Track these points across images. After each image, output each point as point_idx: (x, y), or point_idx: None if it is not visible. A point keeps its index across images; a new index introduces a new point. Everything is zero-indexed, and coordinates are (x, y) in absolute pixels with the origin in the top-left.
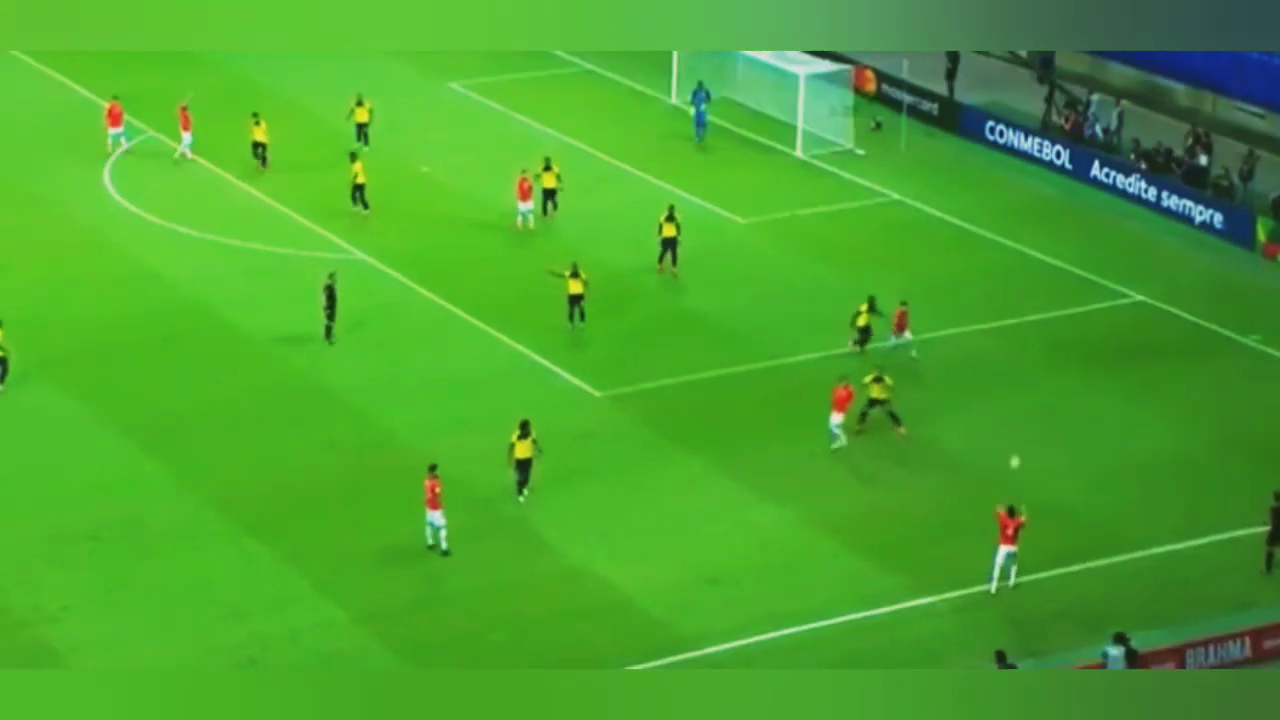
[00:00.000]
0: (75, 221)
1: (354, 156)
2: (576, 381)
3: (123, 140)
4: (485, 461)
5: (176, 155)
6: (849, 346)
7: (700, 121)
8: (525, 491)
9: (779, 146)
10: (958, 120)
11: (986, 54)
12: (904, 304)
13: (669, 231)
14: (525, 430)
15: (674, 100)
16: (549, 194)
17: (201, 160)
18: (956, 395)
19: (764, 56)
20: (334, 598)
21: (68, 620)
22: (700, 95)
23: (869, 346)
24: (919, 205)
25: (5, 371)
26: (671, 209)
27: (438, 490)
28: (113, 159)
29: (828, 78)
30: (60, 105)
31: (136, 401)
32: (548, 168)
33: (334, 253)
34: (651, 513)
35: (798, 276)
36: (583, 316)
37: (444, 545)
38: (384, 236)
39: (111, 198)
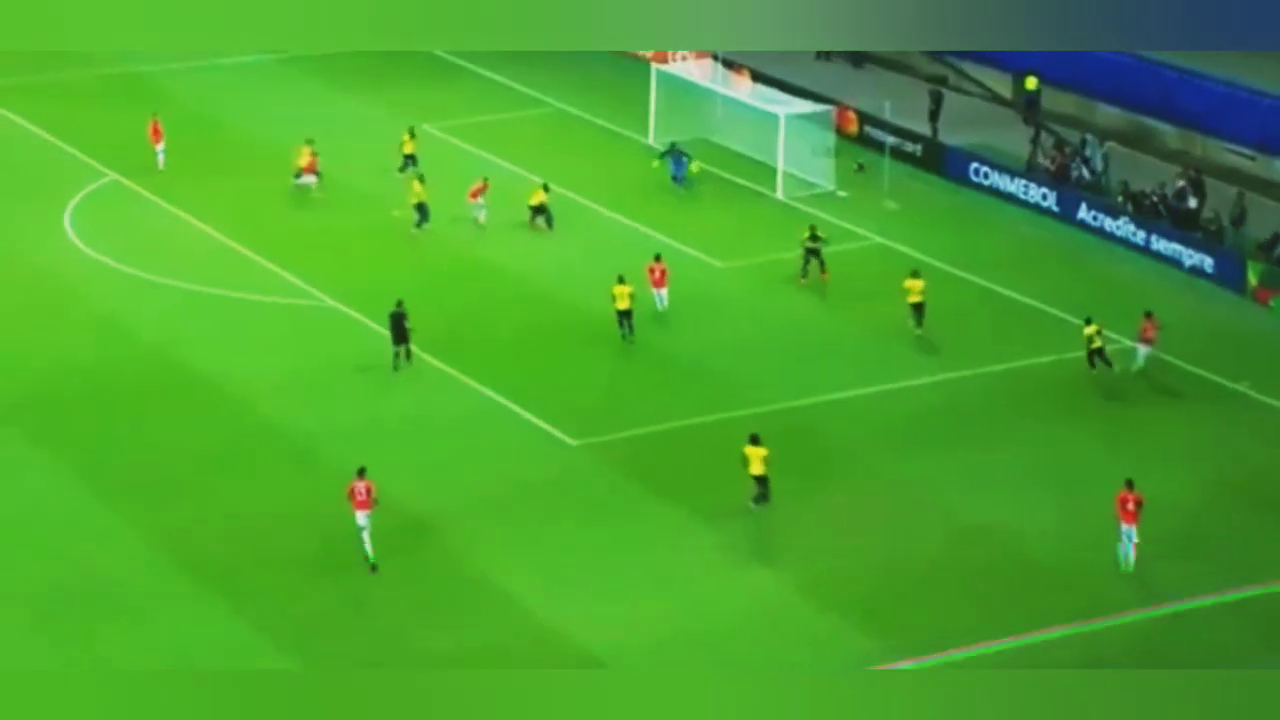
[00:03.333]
0: (35, 265)
1: (421, 179)
2: (548, 428)
3: (313, 181)
4: (456, 510)
5: (161, 167)
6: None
7: (679, 177)
8: (758, 504)
9: (759, 188)
10: (942, 162)
11: (969, 94)
12: (1150, 315)
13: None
14: (756, 440)
15: (651, 142)
16: (538, 210)
17: (163, 203)
18: (942, 442)
19: (743, 96)
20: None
21: None
22: (678, 159)
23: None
24: (902, 248)
25: None
26: (813, 228)
27: (367, 492)
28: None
29: (809, 118)
30: (10, 141)
31: (102, 453)
32: (546, 189)
33: (300, 298)
34: (630, 567)
35: (780, 321)
36: (631, 329)
37: (368, 549)
38: (352, 280)
39: (72, 242)
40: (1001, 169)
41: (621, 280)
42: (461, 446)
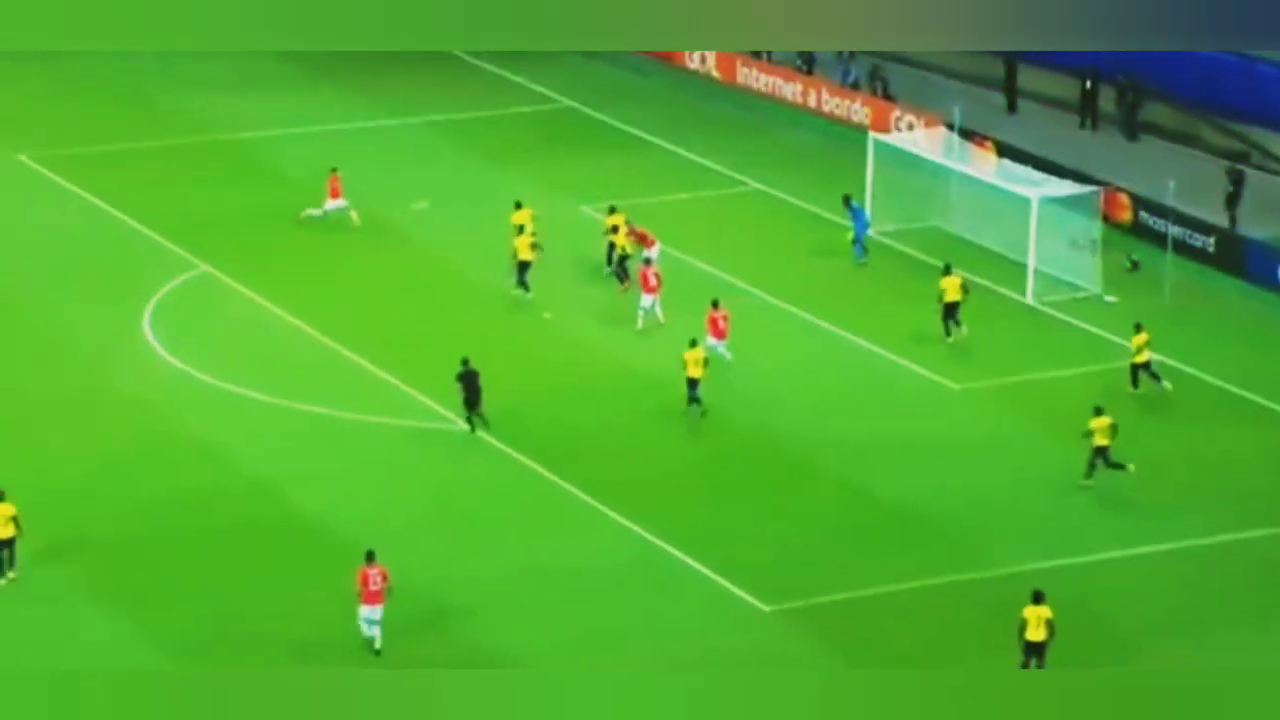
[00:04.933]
0: (106, 377)
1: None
2: (737, 590)
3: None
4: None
5: (316, 216)
6: None
7: (859, 239)
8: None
9: (1004, 290)
10: (1241, 260)
11: (1277, 174)
12: None
13: (954, 296)
14: (1039, 598)
15: (870, 231)
16: (613, 248)
17: (256, 296)
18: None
19: (985, 174)
20: None
21: None
22: (858, 214)
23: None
24: (1188, 369)
25: (12, 556)
26: (948, 265)
27: (380, 582)
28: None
29: (1068, 202)
30: (83, 227)
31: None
32: (615, 219)
33: (428, 420)
34: None
35: (1027, 459)
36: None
37: (377, 643)
38: (488, 397)
39: (153, 349)
40: None
41: (694, 344)
42: (622, 609)
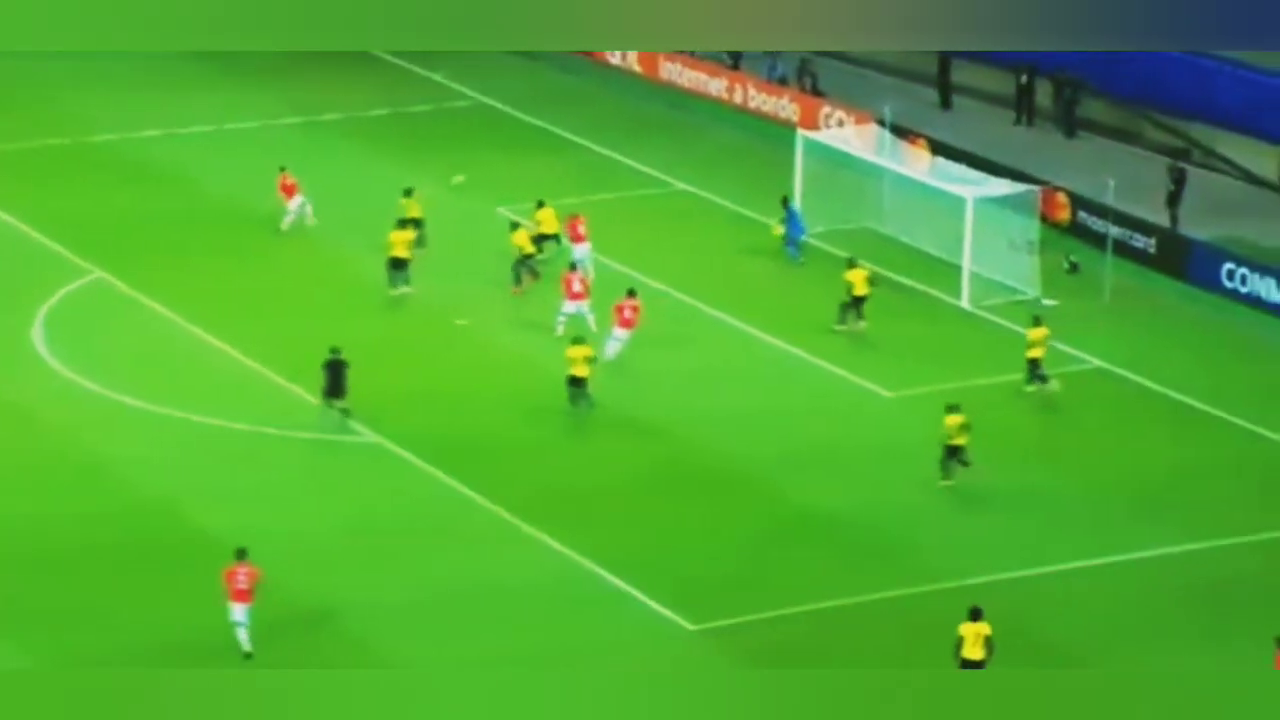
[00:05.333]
0: None
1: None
2: (660, 608)
3: (307, 209)
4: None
5: (292, 222)
6: None
7: (794, 240)
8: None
9: (939, 294)
10: (1184, 262)
11: (1221, 172)
12: None
13: (861, 290)
14: (976, 614)
15: (805, 236)
16: (545, 239)
17: (159, 306)
18: (1196, 634)
19: (919, 173)
20: None
21: None
22: (794, 217)
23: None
24: (1129, 374)
25: None
26: (852, 259)
27: (248, 580)
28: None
29: (1004, 202)
30: None
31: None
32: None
33: (336, 432)
34: None
35: (963, 470)
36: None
37: (245, 645)
38: (401, 405)
39: (43, 359)
40: (1265, 271)
41: (579, 342)
42: (540, 630)
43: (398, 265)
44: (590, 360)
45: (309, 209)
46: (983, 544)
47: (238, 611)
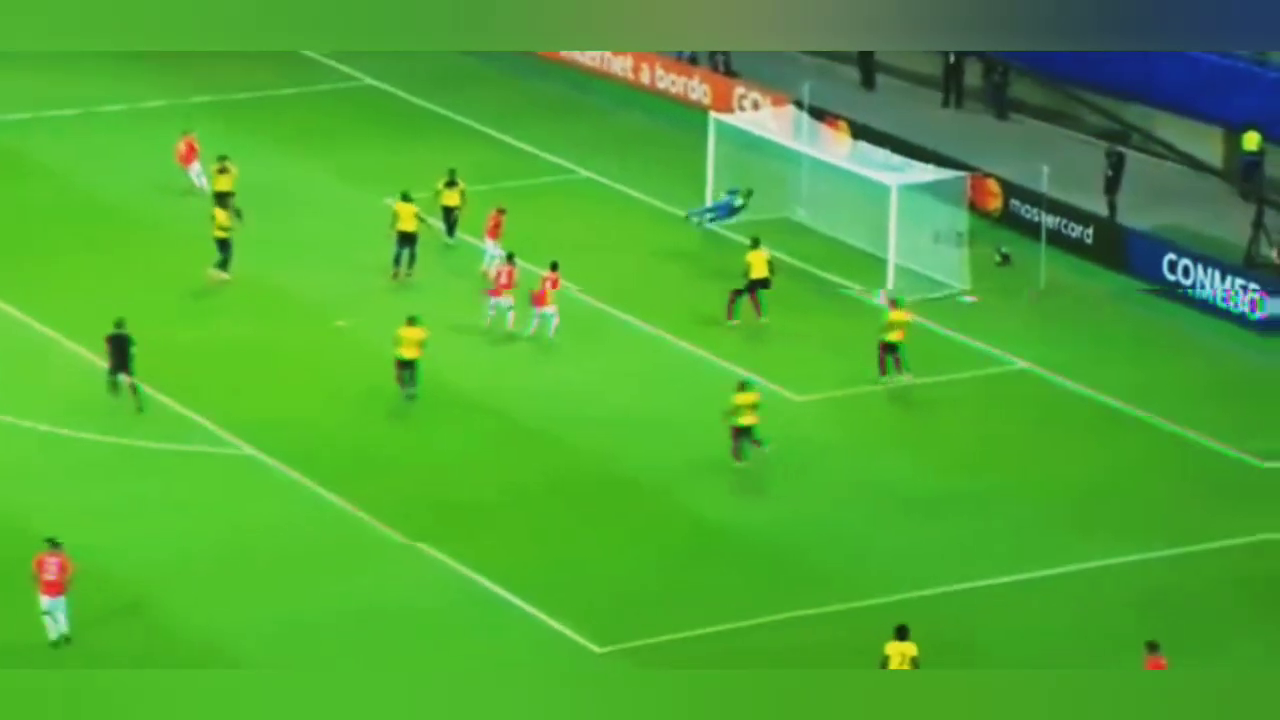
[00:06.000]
0: None
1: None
2: (565, 630)
3: (202, 179)
4: None
5: (197, 188)
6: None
7: (722, 213)
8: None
9: (860, 288)
10: (1122, 252)
11: (1161, 156)
12: None
13: (760, 272)
14: (903, 633)
15: (707, 223)
16: (449, 211)
17: (6, 306)
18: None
19: (839, 159)
20: None
21: None
22: (728, 202)
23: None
24: (1057, 378)
25: None
26: (756, 239)
27: (59, 572)
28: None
29: (930, 189)
30: None
31: None
32: (452, 183)
33: (210, 444)
34: None
35: (880, 479)
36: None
37: (52, 633)
38: (278, 417)
39: None
40: (1208, 262)
41: (413, 322)
42: (438, 653)
43: (223, 245)
44: (422, 344)
45: (204, 180)
46: (908, 558)
47: (47, 603)
